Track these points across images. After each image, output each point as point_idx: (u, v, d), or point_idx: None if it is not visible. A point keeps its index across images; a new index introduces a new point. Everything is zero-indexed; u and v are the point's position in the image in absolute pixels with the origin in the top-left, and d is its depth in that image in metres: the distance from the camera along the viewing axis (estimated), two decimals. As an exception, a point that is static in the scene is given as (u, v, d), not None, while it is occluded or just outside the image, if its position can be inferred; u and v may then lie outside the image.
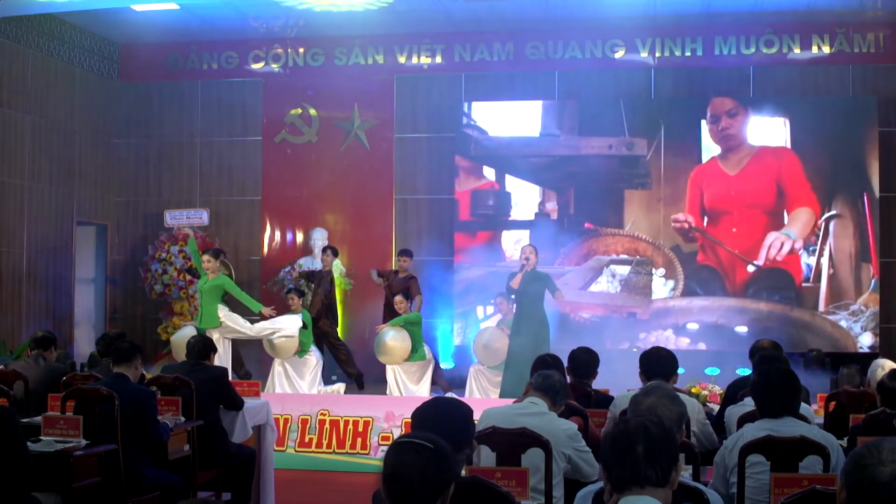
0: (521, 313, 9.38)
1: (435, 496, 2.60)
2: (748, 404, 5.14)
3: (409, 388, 10.12)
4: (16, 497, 4.61)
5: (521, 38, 11.88)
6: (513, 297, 9.56)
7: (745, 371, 7.92)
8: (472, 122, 11.77)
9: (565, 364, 6.09)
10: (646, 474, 2.64)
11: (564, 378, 5.02)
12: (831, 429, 5.51)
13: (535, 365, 5.72)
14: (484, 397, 9.66)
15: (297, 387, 10.32)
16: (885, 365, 6.19)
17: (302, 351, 10.46)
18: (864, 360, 8.39)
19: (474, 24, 11.71)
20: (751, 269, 11.20)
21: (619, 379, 7.11)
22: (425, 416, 3.30)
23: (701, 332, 11.18)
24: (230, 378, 7.33)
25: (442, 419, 3.23)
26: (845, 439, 4.95)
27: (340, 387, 10.62)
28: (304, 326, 10.14)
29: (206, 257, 9.76)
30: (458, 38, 12.00)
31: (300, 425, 9.00)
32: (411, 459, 2.58)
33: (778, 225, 11.19)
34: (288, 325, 9.98)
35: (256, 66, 12.48)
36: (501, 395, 9.07)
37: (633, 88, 11.64)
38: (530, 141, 11.71)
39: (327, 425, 8.97)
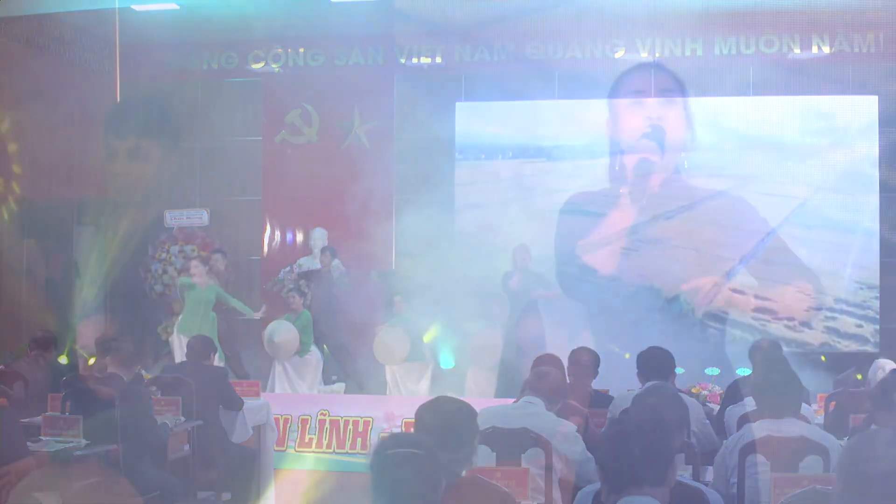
0: (514, 313, 9.35)
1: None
2: (748, 404, 5.14)
3: (409, 388, 10.13)
4: None
5: (521, 38, 11.85)
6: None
7: (745, 371, 7.91)
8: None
9: (565, 364, 6.09)
10: (643, 475, 2.64)
11: (562, 376, 5.00)
12: (831, 429, 5.50)
13: (533, 364, 5.70)
14: (483, 397, 9.65)
15: (297, 387, 10.32)
16: (885, 365, 6.19)
17: (302, 351, 10.47)
18: (864, 360, 8.39)
19: (474, 25, 11.69)
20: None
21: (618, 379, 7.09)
22: (428, 415, 3.30)
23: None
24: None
25: (444, 419, 3.23)
26: (845, 439, 4.94)
27: (340, 387, 10.62)
28: None
29: None
30: (458, 38, 11.98)
31: (300, 425, 8.99)
32: (401, 475, 2.57)
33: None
34: None
35: (256, 66, 12.46)
36: (497, 396, 9.06)
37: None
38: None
39: (327, 425, 8.97)
